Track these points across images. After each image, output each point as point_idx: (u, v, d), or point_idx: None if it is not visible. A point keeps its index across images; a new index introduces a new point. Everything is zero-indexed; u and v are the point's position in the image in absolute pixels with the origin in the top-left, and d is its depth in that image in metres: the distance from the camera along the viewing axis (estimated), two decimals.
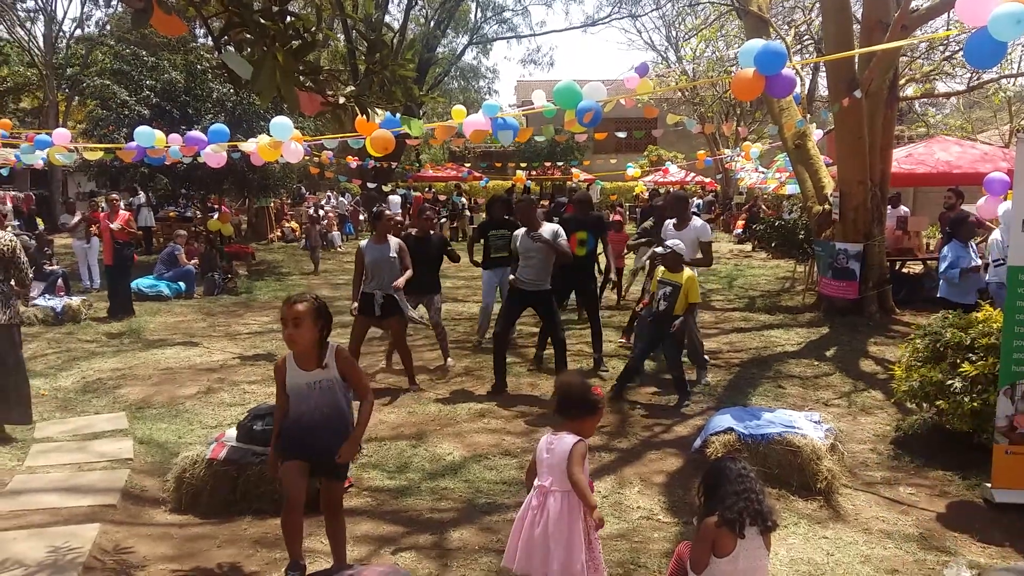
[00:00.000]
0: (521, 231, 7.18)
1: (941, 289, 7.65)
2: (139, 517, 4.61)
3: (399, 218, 15.34)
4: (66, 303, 10.63)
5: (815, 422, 5.32)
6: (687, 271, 6.66)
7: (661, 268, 6.87)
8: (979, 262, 7.49)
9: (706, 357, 7.68)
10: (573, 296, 9.50)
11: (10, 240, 5.97)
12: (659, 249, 6.92)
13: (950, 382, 5.20)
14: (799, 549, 4.21)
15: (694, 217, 7.83)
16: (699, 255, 7.51)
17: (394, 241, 7.26)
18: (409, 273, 7.26)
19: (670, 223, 7.73)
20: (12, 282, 5.93)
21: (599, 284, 11.52)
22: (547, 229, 7.00)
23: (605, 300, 11.19)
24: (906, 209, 12.26)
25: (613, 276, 11.06)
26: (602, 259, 9.61)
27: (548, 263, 7.05)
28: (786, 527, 4.40)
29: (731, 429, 5.23)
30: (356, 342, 7.24)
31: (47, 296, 11.11)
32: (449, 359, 8.27)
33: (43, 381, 7.61)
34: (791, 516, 4.60)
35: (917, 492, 5.04)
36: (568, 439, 3.25)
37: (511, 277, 7.36)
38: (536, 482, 3.31)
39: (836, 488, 4.91)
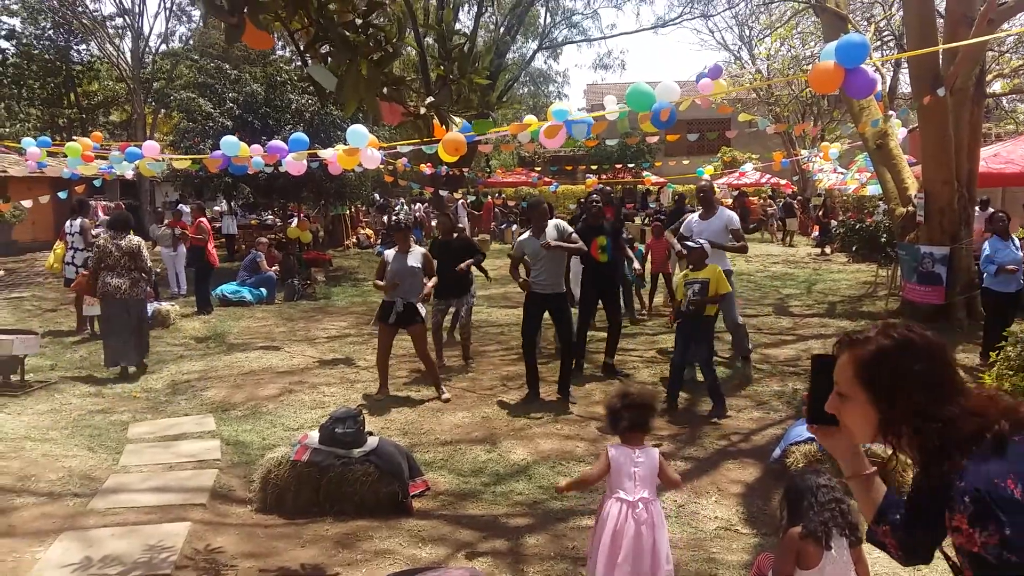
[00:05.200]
0: (526, 235, 7.19)
1: (985, 279, 8.11)
2: (227, 516, 4.78)
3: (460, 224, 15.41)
4: (156, 308, 11.06)
5: None
6: (711, 266, 6.61)
7: (684, 271, 6.83)
8: (1019, 255, 7.94)
9: (750, 347, 7.81)
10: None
11: (137, 242, 8.28)
12: (689, 244, 6.80)
13: None
14: (884, 564, 4.08)
15: (720, 207, 7.85)
16: (730, 242, 7.52)
17: (418, 250, 7.35)
18: (434, 281, 7.39)
19: (693, 216, 7.68)
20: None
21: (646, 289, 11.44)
22: (551, 229, 6.95)
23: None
24: (992, 210, 11.75)
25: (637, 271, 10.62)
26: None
27: (560, 264, 7.04)
28: None
29: (812, 439, 5.11)
30: (384, 351, 7.32)
31: None
32: (471, 361, 8.43)
33: (134, 383, 7.96)
34: None
35: None
36: (653, 451, 3.41)
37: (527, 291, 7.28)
38: (621, 495, 3.33)
39: None
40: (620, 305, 8.41)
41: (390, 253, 7.35)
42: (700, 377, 7.13)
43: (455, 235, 8.64)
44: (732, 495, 5.06)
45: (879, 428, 1.76)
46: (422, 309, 7.28)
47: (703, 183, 8.60)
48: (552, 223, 7.04)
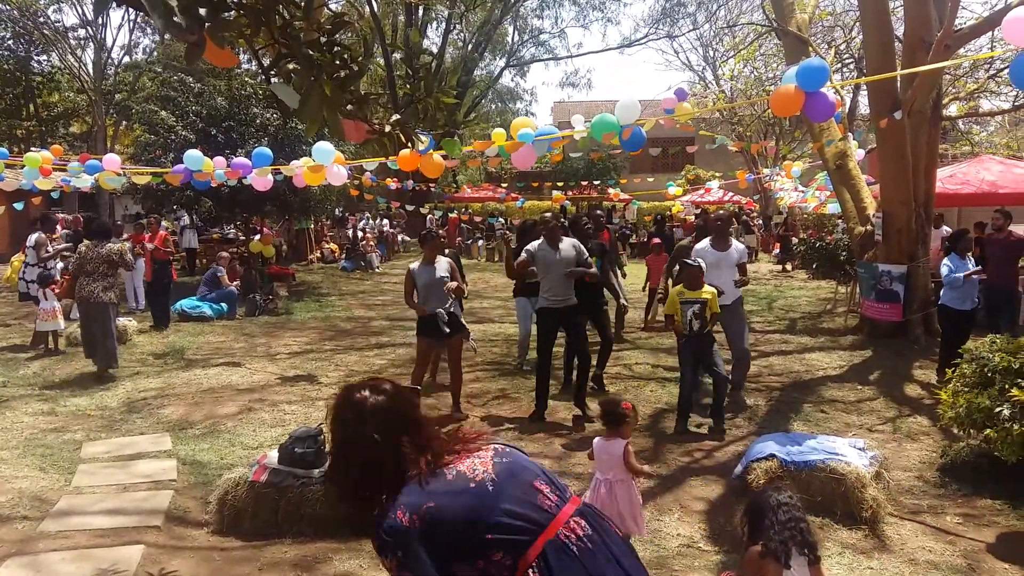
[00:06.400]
0: (537, 244, 7.01)
1: (942, 296, 8.33)
2: (182, 539, 4.67)
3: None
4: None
5: (859, 449, 5.22)
6: (707, 286, 6.58)
7: (678, 287, 6.75)
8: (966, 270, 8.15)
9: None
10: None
11: (118, 248, 8.88)
12: (687, 262, 6.70)
13: (998, 408, 5.07)
14: None
15: (733, 240, 7.78)
16: (737, 276, 7.45)
17: (443, 261, 7.12)
18: (455, 285, 7.14)
19: (707, 245, 7.57)
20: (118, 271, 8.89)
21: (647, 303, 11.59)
22: (567, 245, 6.90)
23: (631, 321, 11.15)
24: (948, 229, 12.02)
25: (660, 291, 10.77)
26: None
27: (569, 275, 6.89)
28: (830, 557, 4.32)
29: (773, 456, 5.16)
30: (424, 367, 7.17)
31: None
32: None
33: (88, 400, 7.78)
34: (835, 546, 4.51)
35: (965, 522, 4.92)
36: (619, 443, 4.28)
37: (539, 306, 7.13)
38: (599, 475, 4.32)
39: (881, 517, 4.81)
40: (609, 320, 8.37)
41: (416, 266, 7.08)
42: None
43: (445, 252, 8.53)
44: (695, 512, 5.08)
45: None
46: (461, 317, 7.12)
47: (721, 212, 8.39)
48: (569, 241, 6.96)
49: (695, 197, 28.86)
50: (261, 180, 8.51)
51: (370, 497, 2.04)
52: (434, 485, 1.97)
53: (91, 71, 28.93)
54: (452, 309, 7.01)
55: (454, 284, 7.00)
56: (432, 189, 19.89)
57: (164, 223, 18.47)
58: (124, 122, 29.61)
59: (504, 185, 36.08)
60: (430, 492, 1.95)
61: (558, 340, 7.36)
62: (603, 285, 8.22)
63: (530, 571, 1.95)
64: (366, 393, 2.09)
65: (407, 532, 1.90)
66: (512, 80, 40.23)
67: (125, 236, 14.18)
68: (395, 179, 15.73)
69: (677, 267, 7.97)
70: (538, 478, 2.12)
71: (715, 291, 6.63)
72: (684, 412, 6.72)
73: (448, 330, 6.91)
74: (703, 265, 6.67)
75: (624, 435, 4.32)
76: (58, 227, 18.46)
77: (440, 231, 9.21)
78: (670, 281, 8.51)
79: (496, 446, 2.16)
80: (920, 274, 10.13)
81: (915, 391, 7.96)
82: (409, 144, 3.61)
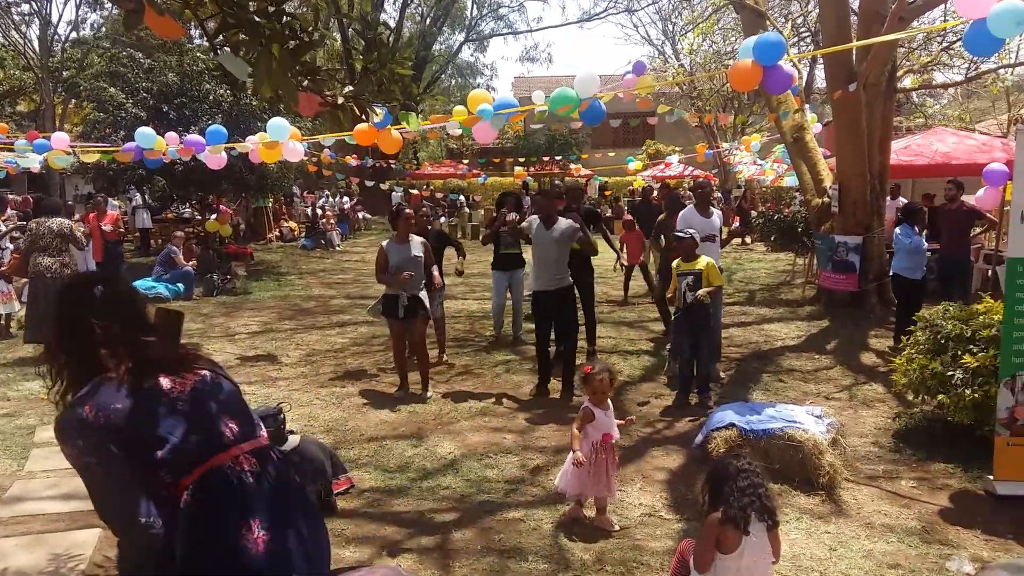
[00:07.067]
0: (535, 220, 6.94)
1: (894, 265, 8.51)
2: None
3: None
4: None
5: (816, 416, 5.31)
6: (702, 257, 6.55)
7: (677, 261, 6.70)
8: (924, 244, 8.44)
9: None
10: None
11: (68, 224, 8.88)
12: (679, 234, 6.63)
13: (951, 374, 5.19)
14: (801, 544, 4.20)
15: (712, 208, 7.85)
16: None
17: (416, 239, 7.04)
18: (436, 272, 7.19)
19: (691, 210, 7.50)
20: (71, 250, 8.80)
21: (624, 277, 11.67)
22: (563, 223, 6.82)
23: (598, 297, 11.21)
24: (904, 200, 12.22)
25: (623, 262, 10.82)
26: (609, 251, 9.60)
27: (564, 256, 6.83)
28: (788, 522, 4.40)
29: (733, 425, 5.23)
30: (401, 347, 7.09)
31: None
32: (444, 355, 8.31)
33: (41, 384, 7.58)
34: (793, 511, 4.59)
35: (919, 485, 5.04)
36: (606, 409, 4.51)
37: (532, 289, 7.10)
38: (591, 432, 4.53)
39: (838, 483, 4.90)
40: (595, 296, 8.35)
41: (388, 244, 6.99)
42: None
43: (429, 228, 8.47)
44: (656, 482, 5.13)
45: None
46: (426, 300, 7.04)
47: (703, 180, 8.48)
48: (566, 222, 6.85)
49: (655, 172, 29.02)
50: (215, 158, 8.31)
51: (66, 371, 2.20)
52: (126, 392, 2.10)
53: (37, 47, 28.02)
54: (419, 292, 6.93)
55: (439, 281, 7.18)
56: (393, 166, 19.66)
57: (115, 202, 18.06)
58: (73, 100, 28.74)
59: (466, 162, 35.87)
60: (120, 397, 2.08)
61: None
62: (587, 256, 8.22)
63: (185, 493, 2.10)
64: (103, 287, 2.26)
65: (91, 425, 2.04)
66: (472, 55, 40.00)
67: (77, 217, 13.82)
68: (354, 156, 15.49)
69: (661, 241, 8.04)
70: (230, 412, 2.29)
71: (711, 262, 6.54)
72: (684, 387, 6.68)
73: (403, 313, 6.85)
74: (696, 236, 6.57)
75: (592, 400, 4.48)
76: (8, 208, 17.97)
77: (424, 207, 9.18)
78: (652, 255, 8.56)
79: (207, 373, 2.32)
80: (875, 245, 10.29)
81: (871, 359, 8.12)
82: (364, 117, 3.53)
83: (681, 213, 7.57)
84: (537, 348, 7.15)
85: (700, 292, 6.38)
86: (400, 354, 7.12)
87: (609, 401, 4.56)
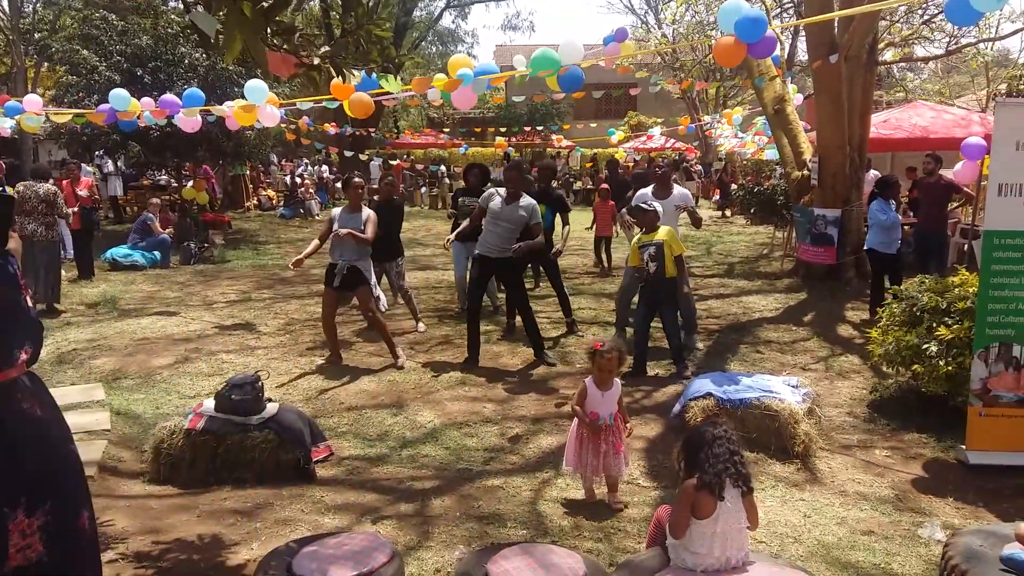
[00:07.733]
0: (495, 192, 6.96)
1: (868, 240, 8.53)
2: (117, 489, 4.57)
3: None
4: None
5: (793, 386, 5.36)
6: (663, 228, 6.62)
7: (638, 235, 6.79)
8: (898, 218, 8.47)
9: (697, 321, 7.74)
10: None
11: (55, 191, 9.22)
12: (642, 207, 6.71)
13: (926, 346, 5.25)
14: (776, 511, 4.25)
15: (675, 185, 7.87)
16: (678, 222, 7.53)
17: (367, 212, 6.97)
18: (345, 232, 6.77)
19: (648, 191, 7.63)
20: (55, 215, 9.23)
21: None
22: (527, 203, 6.81)
23: (574, 267, 11.21)
24: (876, 173, 12.20)
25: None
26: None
27: (514, 235, 6.81)
28: (763, 489, 4.45)
29: (710, 394, 5.26)
30: (329, 316, 7.02)
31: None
32: (420, 324, 8.30)
33: None
34: (768, 479, 4.65)
35: (892, 455, 5.11)
36: (615, 384, 4.40)
37: (476, 252, 7.06)
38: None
39: (813, 451, 4.96)
40: (560, 272, 8.34)
41: (337, 211, 6.98)
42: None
43: (395, 198, 8.41)
44: (635, 451, 5.16)
45: None
46: (368, 273, 6.98)
47: (664, 162, 8.58)
48: (529, 201, 6.83)
49: (637, 144, 28.94)
50: (189, 121, 8.14)
51: None
52: None
53: (7, 8, 27.29)
54: (357, 264, 6.82)
55: (344, 231, 6.72)
56: (373, 135, 19.43)
57: (89, 168, 17.71)
58: (45, 63, 28.07)
59: (446, 131, 35.56)
60: None
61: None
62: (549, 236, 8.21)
63: None
64: None
65: None
66: (453, 22, 39.33)
67: (51, 180, 13.53)
68: (334, 124, 15.29)
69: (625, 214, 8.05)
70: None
71: (670, 230, 6.65)
72: (638, 356, 6.73)
73: (339, 283, 6.81)
74: (659, 209, 6.68)
75: (595, 377, 4.36)
76: None
77: (391, 177, 9.11)
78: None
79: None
80: (854, 218, 10.34)
81: (847, 331, 8.19)
82: (340, 79, 3.46)
83: (639, 192, 7.67)
84: (468, 312, 7.19)
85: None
86: (327, 321, 7.05)
87: (617, 381, 4.42)
